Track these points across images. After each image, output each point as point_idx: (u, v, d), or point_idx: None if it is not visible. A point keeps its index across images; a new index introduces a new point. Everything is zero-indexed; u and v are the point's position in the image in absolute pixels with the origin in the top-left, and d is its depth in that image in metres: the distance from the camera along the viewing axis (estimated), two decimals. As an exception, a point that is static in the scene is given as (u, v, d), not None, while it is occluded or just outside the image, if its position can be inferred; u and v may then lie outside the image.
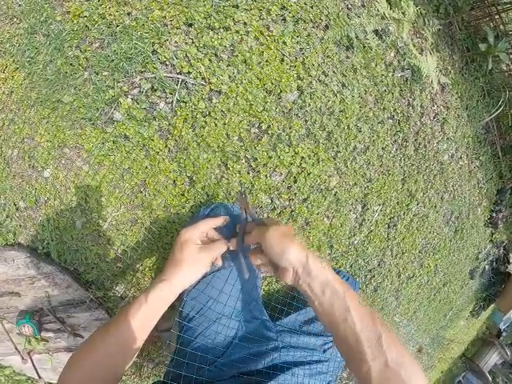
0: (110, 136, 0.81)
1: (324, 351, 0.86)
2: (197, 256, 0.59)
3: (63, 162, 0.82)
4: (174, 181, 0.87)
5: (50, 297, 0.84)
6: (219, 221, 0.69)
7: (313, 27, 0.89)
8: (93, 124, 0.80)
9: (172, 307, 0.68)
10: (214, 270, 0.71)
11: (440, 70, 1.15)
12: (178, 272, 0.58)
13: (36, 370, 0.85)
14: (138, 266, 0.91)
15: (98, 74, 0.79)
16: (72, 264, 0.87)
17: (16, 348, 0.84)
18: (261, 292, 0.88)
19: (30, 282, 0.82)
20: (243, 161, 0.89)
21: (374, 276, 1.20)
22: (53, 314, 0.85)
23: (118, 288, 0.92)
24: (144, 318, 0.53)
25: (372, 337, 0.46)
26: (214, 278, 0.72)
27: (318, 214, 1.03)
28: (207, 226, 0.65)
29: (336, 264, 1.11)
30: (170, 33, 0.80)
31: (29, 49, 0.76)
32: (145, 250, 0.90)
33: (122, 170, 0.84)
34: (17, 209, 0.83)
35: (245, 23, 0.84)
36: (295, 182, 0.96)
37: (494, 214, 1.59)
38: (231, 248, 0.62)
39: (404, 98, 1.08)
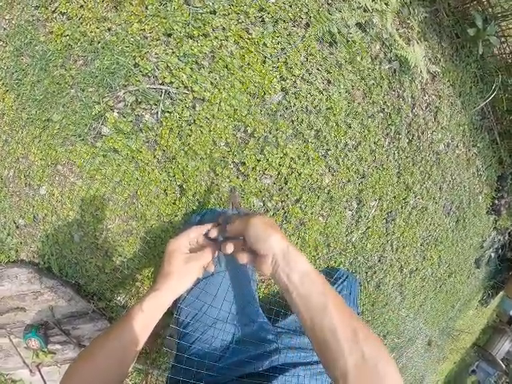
0: (100, 150, 0.79)
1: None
2: (185, 266, 0.56)
3: (57, 178, 0.80)
4: (165, 190, 0.83)
5: (54, 310, 0.82)
6: (208, 227, 0.66)
7: (293, 26, 0.84)
8: (82, 140, 0.78)
9: (171, 314, 0.65)
10: (206, 276, 0.68)
11: (429, 59, 1.08)
12: (168, 283, 0.55)
13: (45, 382, 0.84)
14: (136, 275, 0.88)
15: (83, 91, 0.76)
16: (73, 277, 0.85)
17: (24, 362, 0.83)
18: (257, 295, 0.83)
19: (34, 297, 0.80)
20: (231, 166, 0.85)
21: (375, 272, 1.13)
22: (58, 326, 0.83)
23: (119, 298, 0.89)
24: (141, 324, 0.51)
25: (349, 329, 0.43)
26: (207, 284, 0.69)
27: (312, 213, 0.97)
28: (195, 234, 0.61)
29: (335, 263, 1.05)
30: (150, 45, 0.76)
31: (16, 71, 0.74)
32: (142, 260, 0.87)
33: (113, 182, 0.81)
34: (17, 226, 0.82)
35: (223, 28, 0.79)
36: (286, 183, 0.91)
37: (497, 201, 1.49)
38: (211, 236, 0.58)
39: (393, 90, 1.01)
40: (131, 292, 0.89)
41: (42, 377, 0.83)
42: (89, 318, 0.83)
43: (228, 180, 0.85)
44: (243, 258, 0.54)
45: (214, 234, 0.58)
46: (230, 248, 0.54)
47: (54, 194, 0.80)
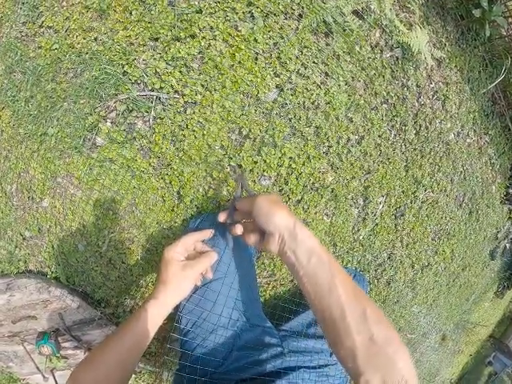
0: (96, 161, 0.70)
1: (331, 354, 0.70)
2: (181, 274, 0.51)
3: (58, 190, 0.73)
4: (163, 197, 0.74)
5: (64, 317, 0.76)
6: (205, 234, 0.57)
7: (285, 19, 0.71)
8: (78, 152, 0.70)
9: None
10: (205, 283, 0.59)
11: (433, 44, 0.90)
12: (166, 291, 0.50)
13: (58, 386, 0.78)
14: (141, 281, 0.80)
15: (75, 103, 0.68)
16: (80, 285, 0.78)
17: (37, 367, 0.77)
18: (259, 299, 0.72)
19: (44, 306, 0.74)
20: (228, 169, 0.73)
21: (384, 270, 0.98)
22: (68, 332, 0.76)
23: (126, 303, 0.81)
24: (139, 333, 0.48)
25: (357, 309, 0.38)
26: (207, 290, 0.60)
27: (315, 213, 0.84)
28: (191, 240, 0.55)
29: (342, 262, 0.92)
30: (136, 51, 0.67)
31: (10, 88, 0.67)
32: (145, 267, 0.78)
33: (112, 192, 0.73)
34: (23, 238, 0.75)
35: (211, 27, 0.68)
36: (286, 183, 0.78)
37: (511, 190, 1.27)
38: (220, 220, 0.52)
39: (397, 80, 0.85)
40: (137, 298, 0.81)
41: (56, 381, 0.77)
42: (97, 324, 0.76)
43: (226, 184, 0.74)
44: (250, 239, 0.49)
45: (222, 217, 0.52)
46: (239, 229, 0.49)
47: (56, 206, 0.73)
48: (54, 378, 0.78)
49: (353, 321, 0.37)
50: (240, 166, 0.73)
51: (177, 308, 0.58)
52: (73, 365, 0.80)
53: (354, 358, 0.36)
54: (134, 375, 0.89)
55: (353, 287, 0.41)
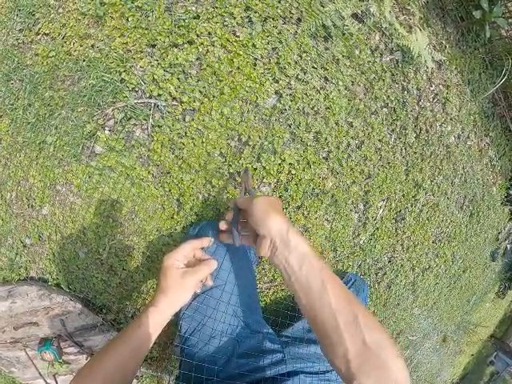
0: (95, 169, 0.69)
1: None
2: (181, 281, 0.50)
3: (57, 198, 0.71)
4: (162, 205, 0.72)
5: (66, 323, 0.74)
6: (205, 241, 0.55)
7: (283, 23, 0.69)
8: (77, 160, 0.68)
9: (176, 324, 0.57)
10: (205, 290, 0.58)
11: (434, 47, 0.88)
12: (165, 299, 0.49)
13: (60, 392, 0.77)
14: (142, 287, 0.79)
15: (73, 111, 0.66)
16: (81, 292, 0.76)
17: (39, 373, 0.76)
18: (259, 305, 0.71)
19: (46, 312, 0.73)
20: (227, 177, 0.71)
21: (385, 273, 0.96)
22: (70, 338, 0.75)
23: (127, 309, 0.80)
24: (138, 341, 0.47)
25: (349, 315, 0.37)
26: (207, 298, 0.59)
27: (316, 218, 0.82)
28: (191, 248, 0.53)
29: (342, 267, 0.90)
30: (134, 58, 0.65)
31: (8, 96, 0.66)
32: (146, 273, 0.77)
33: (111, 200, 0.71)
34: (24, 246, 0.74)
35: (209, 33, 0.66)
36: (286, 190, 0.76)
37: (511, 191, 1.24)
38: (222, 228, 0.52)
39: (397, 83, 0.82)
40: (138, 304, 0.79)
41: (59, 387, 0.76)
42: (99, 329, 0.75)
43: (225, 191, 0.72)
44: (247, 240, 0.48)
45: (223, 226, 0.51)
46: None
47: (55, 214, 0.72)
48: (57, 383, 0.77)
49: (345, 326, 0.36)
50: (238, 172, 0.72)
51: (177, 314, 0.57)
52: (75, 370, 0.79)
53: (346, 363, 0.35)
54: (135, 380, 0.88)
55: (345, 293, 0.40)
